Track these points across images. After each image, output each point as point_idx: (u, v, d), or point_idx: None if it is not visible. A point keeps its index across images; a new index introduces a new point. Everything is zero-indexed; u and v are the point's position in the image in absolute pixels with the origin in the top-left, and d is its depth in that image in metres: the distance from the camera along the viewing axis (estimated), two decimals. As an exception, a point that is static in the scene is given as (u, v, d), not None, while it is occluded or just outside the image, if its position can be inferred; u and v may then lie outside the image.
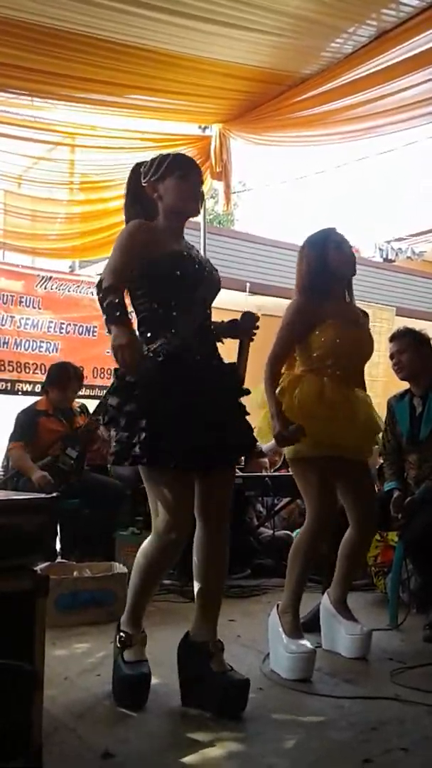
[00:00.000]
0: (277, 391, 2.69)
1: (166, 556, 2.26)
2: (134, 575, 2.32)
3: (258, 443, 2.70)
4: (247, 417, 2.45)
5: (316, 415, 2.63)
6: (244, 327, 2.56)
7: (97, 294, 2.21)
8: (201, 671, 2.24)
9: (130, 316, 2.20)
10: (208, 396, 2.25)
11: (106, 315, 2.16)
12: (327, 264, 2.76)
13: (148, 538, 2.28)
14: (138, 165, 2.49)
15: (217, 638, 2.32)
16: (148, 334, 2.31)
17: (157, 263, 2.29)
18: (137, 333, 2.29)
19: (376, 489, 3.39)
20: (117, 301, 2.14)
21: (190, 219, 2.52)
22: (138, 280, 2.31)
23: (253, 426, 2.47)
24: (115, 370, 2.28)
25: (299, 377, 2.74)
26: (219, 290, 2.47)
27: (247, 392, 2.47)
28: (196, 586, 2.37)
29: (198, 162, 5.45)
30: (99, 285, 2.21)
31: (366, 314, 2.97)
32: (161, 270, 2.29)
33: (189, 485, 2.28)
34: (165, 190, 2.39)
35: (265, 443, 2.87)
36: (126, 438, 2.21)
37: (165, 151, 2.56)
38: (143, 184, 2.43)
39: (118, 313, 2.12)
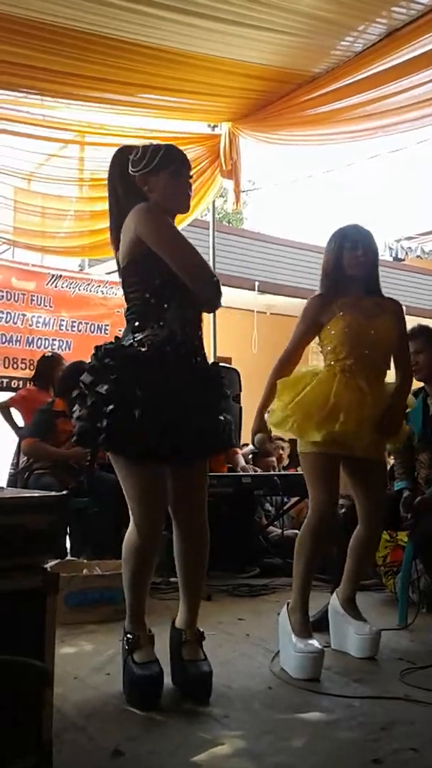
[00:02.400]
0: (280, 385, 2.72)
1: (144, 545, 2.27)
2: (123, 569, 2.33)
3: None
4: (221, 417, 2.40)
5: (324, 416, 2.62)
6: None
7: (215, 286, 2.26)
8: (175, 656, 2.35)
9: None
10: (184, 391, 2.23)
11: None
12: (340, 262, 2.77)
13: (129, 528, 2.30)
14: (124, 150, 2.40)
15: (195, 628, 2.38)
16: (136, 323, 2.28)
17: (156, 253, 2.24)
18: (126, 318, 2.33)
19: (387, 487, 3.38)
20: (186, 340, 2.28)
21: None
22: (132, 265, 2.29)
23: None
24: (96, 348, 2.29)
25: (314, 373, 2.76)
26: None
27: (225, 395, 2.46)
28: (178, 577, 2.43)
29: (207, 160, 5.54)
30: (217, 285, 2.27)
31: (397, 303, 2.93)
32: (159, 261, 2.24)
33: (157, 475, 2.26)
34: (156, 184, 2.32)
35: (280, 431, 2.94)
36: (87, 418, 2.20)
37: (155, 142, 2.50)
38: (132, 173, 2.34)
39: None
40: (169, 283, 2.26)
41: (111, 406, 2.17)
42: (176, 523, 2.40)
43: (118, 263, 2.42)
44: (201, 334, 2.43)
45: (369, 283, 2.83)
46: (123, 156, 2.40)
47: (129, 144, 2.43)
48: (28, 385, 5.49)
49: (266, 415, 2.77)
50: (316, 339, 2.83)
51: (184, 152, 2.44)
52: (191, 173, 2.45)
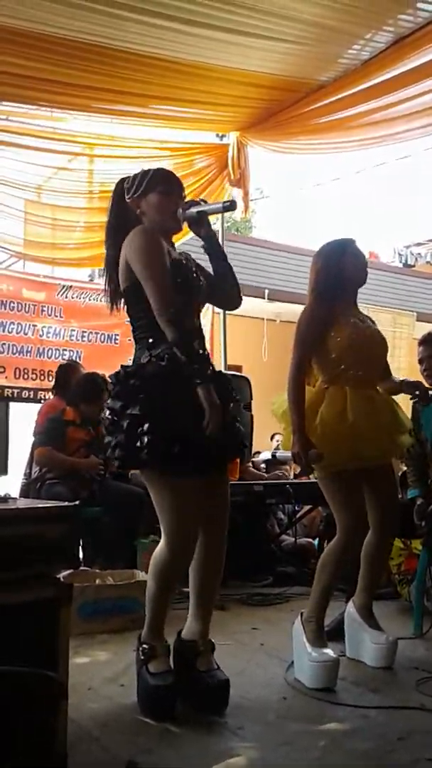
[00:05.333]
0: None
1: (177, 560, 2.27)
2: (149, 583, 2.33)
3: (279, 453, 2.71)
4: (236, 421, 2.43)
5: (340, 433, 2.61)
6: None
7: (168, 325, 2.21)
8: (188, 668, 2.32)
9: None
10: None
11: (196, 368, 2.22)
12: (343, 270, 2.78)
13: (159, 543, 2.30)
14: (122, 180, 2.49)
15: (207, 638, 2.37)
16: (150, 340, 2.31)
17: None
18: (135, 338, 2.35)
19: (399, 496, 3.35)
20: (202, 352, 2.26)
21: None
22: (132, 288, 2.32)
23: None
24: (116, 374, 2.32)
25: (321, 393, 2.71)
26: (204, 302, 2.51)
27: (237, 401, 2.46)
28: (191, 587, 2.42)
29: (215, 170, 5.56)
30: (163, 315, 2.23)
31: (372, 320, 2.96)
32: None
33: (194, 489, 2.26)
34: (147, 206, 2.39)
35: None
36: (128, 441, 2.21)
37: (153, 165, 2.59)
38: (127, 200, 2.43)
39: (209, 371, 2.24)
40: (176, 299, 2.29)
41: (147, 425, 2.19)
42: (201, 530, 2.36)
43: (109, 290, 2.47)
44: (205, 344, 2.45)
45: (356, 293, 2.86)
46: (120, 186, 2.47)
47: (125, 176, 2.49)
48: (49, 396, 5.51)
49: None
50: None
51: (176, 174, 2.51)
52: (183, 193, 2.49)
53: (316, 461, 2.56)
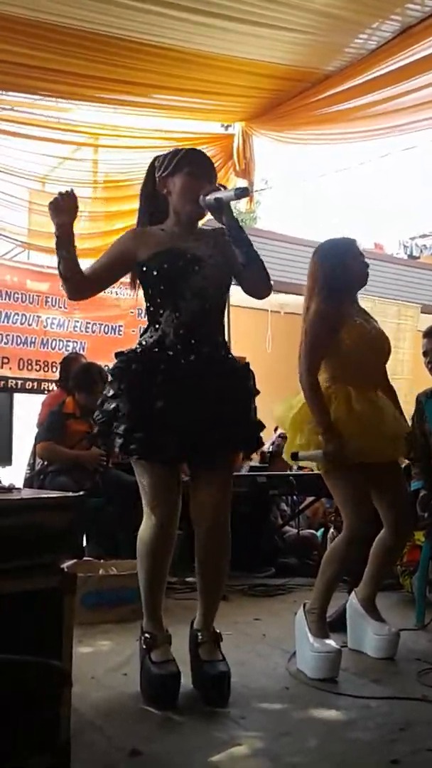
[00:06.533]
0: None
1: (158, 539, 2.28)
2: (138, 568, 2.35)
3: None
4: (248, 414, 2.43)
5: (347, 430, 2.60)
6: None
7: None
8: (193, 658, 2.35)
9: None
10: (178, 389, 2.26)
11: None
12: (350, 272, 2.77)
13: (142, 524, 2.32)
14: (156, 158, 2.47)
15: (212, 629, 2.38)
16: (143, 329, 2.44)
17: (142, 265, 2.35)
18: None
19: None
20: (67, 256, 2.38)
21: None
22: (138, 284, 2.42)
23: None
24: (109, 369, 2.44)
25: (327, 392, 2.69)
26: (222, 284, 2.42)
27: (252, 390, 2.46)
28: (197, 581, 2.43)
29: (220, 160, 5.54)
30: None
31: (374, 318, 2.94)
32: (145, 271, 2.35)
33: (165, 468, 2.29)
34: (174, 186, 2.38)
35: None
36: (105, 426, 2.32)
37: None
38: (156, 178, 2.42)
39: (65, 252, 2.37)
40: (160, 291, 2.35)
41: (121, 413, 2.28)
42: (195, 526, 2.38)
43: None
44: (209, 330, 2.39)
45: (356, 294, 2.86)
46: (152, 165, 2.47)
47: (161, 154, 2.49)
48: (53, 387, 5.53)
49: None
50: None
51: (208, 156, 2.51)
52: (214, 178, 2.45)
53: (349, 453, 2.56)
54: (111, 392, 2.33)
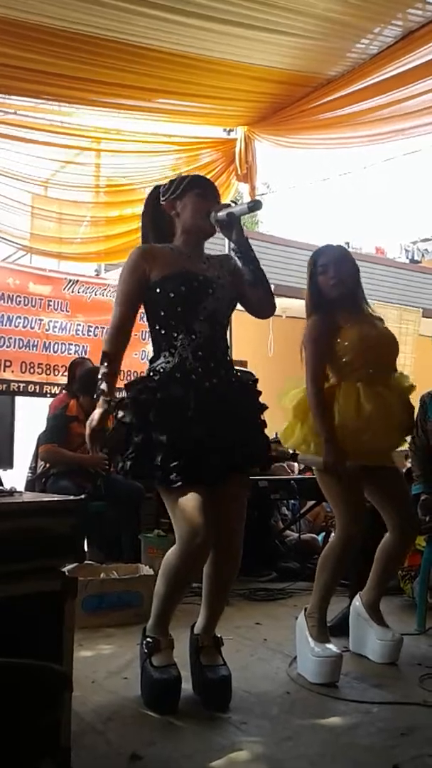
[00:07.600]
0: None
1: (191, 562, 2.25)
2: (160, 583, 2.31)
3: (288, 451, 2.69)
4: (262, 430, 2.43)
5: (353, 428, 2.60)
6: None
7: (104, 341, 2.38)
8: (194, 662, 2.36)
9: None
10: (209, 413, 2.26)
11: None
12: (319, 289, 2.78)
13: (173, 546, 2.27)
14: (157, 186, 2.52)
15: (212, 633, 2.38)
16: (152, 355, 2.40)
17: (155, 286, 2.33)
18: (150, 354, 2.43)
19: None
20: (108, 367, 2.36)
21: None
22: (143, 305, 2.40)
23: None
24: (125, 385, 2.41)
25: (334, 389, 2.70)
26: (231, 306, 2.46)
27: (262, 406, 2.46)
28: (203, 588, 2.42)
29: (223, 164, 5.55)
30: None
31: (380, 318, 2.94)
32: (158, 293, 2.33)
33: (198, 491, 2.23)
34: (183, 207, 2.41)
35: (304, 453, 2.81)
36: (117, 447, 2.32)
37: (185, 170, 2.59)
38: (161, 203, 2.45)
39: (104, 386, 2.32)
40: (175, 313, 2.33)
41: (136, 439, 2.25)
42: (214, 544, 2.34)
43: None
44: (222, 353, 2.40)
45: (356, 296, 2.82)
46: (155, 191, 2.51)
47: (160, 183, 2.52)
48: (55, 391, 5.53)
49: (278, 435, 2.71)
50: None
51: (211, 180, 2.56)
52: (219, 199, 2.49)
53: (349, 471, 2.57)
54: (134, 422, 2.28)
